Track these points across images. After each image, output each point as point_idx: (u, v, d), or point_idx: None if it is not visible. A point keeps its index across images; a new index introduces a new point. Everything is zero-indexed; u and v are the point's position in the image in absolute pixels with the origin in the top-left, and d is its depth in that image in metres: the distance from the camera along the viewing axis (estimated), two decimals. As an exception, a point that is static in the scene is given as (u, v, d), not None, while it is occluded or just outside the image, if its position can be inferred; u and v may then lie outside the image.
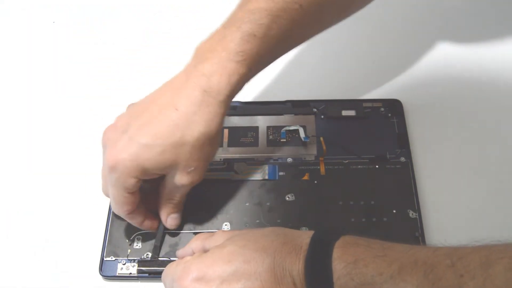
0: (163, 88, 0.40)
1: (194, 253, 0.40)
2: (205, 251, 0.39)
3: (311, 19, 0.40)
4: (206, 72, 0.37)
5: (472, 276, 0.27)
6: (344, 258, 0.32)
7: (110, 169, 0.39)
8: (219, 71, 0.37)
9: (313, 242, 0.34)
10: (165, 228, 0.45)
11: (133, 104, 0.44)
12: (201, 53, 0.39)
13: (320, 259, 0.33)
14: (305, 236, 0.35)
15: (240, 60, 0.38)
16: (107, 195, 0.43)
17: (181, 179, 0.40)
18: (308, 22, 0.41)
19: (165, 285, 0.40)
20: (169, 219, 0.44)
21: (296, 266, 0.34)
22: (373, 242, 0.33)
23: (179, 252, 0.43)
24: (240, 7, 0.39)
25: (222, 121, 0.39)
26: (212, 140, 0.39)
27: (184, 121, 0.38)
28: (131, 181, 0.39)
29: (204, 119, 0.38)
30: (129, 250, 0.45)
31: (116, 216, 0.45)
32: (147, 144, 0.38)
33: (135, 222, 0.43)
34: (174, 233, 0.45)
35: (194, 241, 0.42)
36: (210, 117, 0.38)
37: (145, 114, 0.39)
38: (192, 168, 0.40)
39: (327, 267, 0.32)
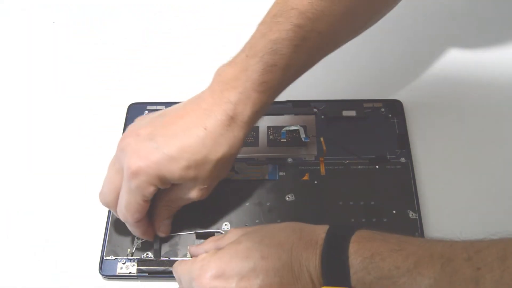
0: (190, 106, 0.41)
1: (207, 252, 0.40)
2: (219, 249, 0.39)
3: (328, 43, 0.42)
4: (232, 100, 0.40)
5: (490, 269, 0.27)
6: (361, 252, 0.33)
7: (132, 175, 0.39)
8: (243, 101, 0.40)
9: (329, 237, 0.35)
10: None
11: (144, 116, 0.45)
12: (226, 81, 0.40)
13: (337, 255, 0.33)
14: (320, 231, 0.36)
15: (263, 90, 0.40)
16: (105, 202, 0.43)
17: (192, 194, 0.42)
18: (326, 46, 0.42)
19: (180, 283, 0.40)
20: (162, 225, 0.44)
21: (313, 262, 0.34)
22: (389, 236, 0.33)
23: (193, 249, 0.44)
24: (261, 35, 0.39)
25: (241, 144, 0.42)
26: (230, 161, 0.42)
27: (211, 140, 0.39)
28: (150, 189, 0.40)
29: (228, 142, 0.40)
30: (128, 250, 0.45)
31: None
32: (173, 156, 0.39)
33: (138, 230, 0.43)
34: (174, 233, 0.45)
35: (207, 243, 0.42)
36: (233, 140, 0.40)
37: (173, 127, 0.40)
38: (206, 186, 0.41)
39: (343, 262, 0.32)
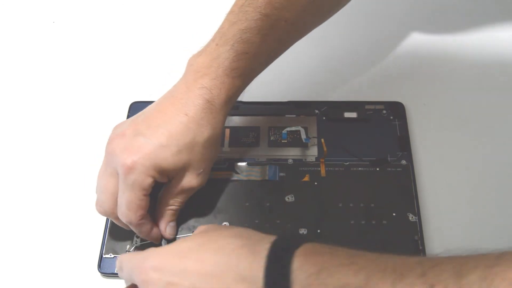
0: (166, 101, 0.43)
1: None
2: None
3: (296, 31, 0.44)
4: (206, 86, 0.41)
5: (444, 287, 0.25)
6: (306, 268, 0.30)
7: (128, 170, 0.40)
8: (217, 85, 0.41)
9: (273, 248, 0.32)
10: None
11: (123, 121, 0.45)
12: (198, 69, 0.42)
13: (279, 268, 0.30)
14: (266, 240, 0.33)
15: (235, 75, 0.42)
16: (103, 210, 0.43)
17: (191, 181, 0.43)
18: (294, 33, 0.44)
19: (121, 271, 0.38)
20: (168, 227, 0.44)
21: (253, 272, 0.31)
22: (339, 250, 0.31)
23: None
24: (231, 24, 0.41)
25: (223, 125, 0.43)
26: (217, 141, 0.44)
27: (194, 124, 0.41)
28: (149, 181, 0.40)
29: (210, 123, 0.42)
30: (128, 247, 0.45)
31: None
32: (164, 144, 0.40)
33: (144, 230, 0.43)
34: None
35: None
36: (215, 121, 0.42)
37: (155, 121, 0.41)
38: (201, 170, 0.43)
39: (286, 277, 0.30)
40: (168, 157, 0.40)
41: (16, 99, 0.58)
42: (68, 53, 0.61)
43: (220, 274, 0.32)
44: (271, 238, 0.33)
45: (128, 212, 0.41)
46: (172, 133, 0.41)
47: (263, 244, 0.32)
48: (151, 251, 0.37)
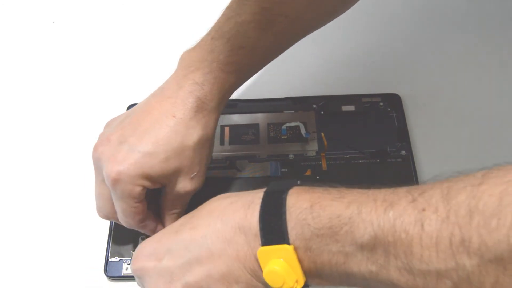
0: (154, 99, 0.41)
1: None
2: None
3: (296, 28, 0.41)
4: (198, 81, 0.39)
5: (435, 209, 0.25)
6: (299, 204, 0.30)
7: (114, 181, 0.38)
8: (210, 81, 0.39)
9: (266, 194, 0.32)
10: None
11: (114, 118, 0.43)
12: (190, 63, 0.40)
13: (273, 209, 0.30)
14: (258, 191, 0.33)
15: (230, 70, 0.39)
16: (104, 215, 0.42)
17: (185, 186, 0.40)
18: (294, 31, 0.42)
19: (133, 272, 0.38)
20: None
21: (247, 222, 0.31)
22: (329, 188, 0.31)
23: None
24: (228, 18, 0.39)
25: (216, 124, 0.41)
26: (209, 142, 0.41)
27: (182, 127, 0.39)
28: (137, 190, 0.39)
29: (200, 123, 0.39)
30: (133, 251, 0.45)
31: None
32: (150, 152, 0.38)
33: (149, 229, 0.42)
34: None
35: None
36: (205, 120, 0.40)
37: (142, 124, 0.39)
38: (195, 173, 0.40)
39: (281, 216, 0.30)
40: (155, 165, 0.38)
41: (15, 99, 0.57)
42: (68, 54, 0.61)
43: (217, 232, 0.32)
44: (262, 190, 0.33)
45: (125, 218, 0.40)
46: (159, 138, 0.38)
47: (255, 194, 0.32)
48: (146, 240, 0.37)
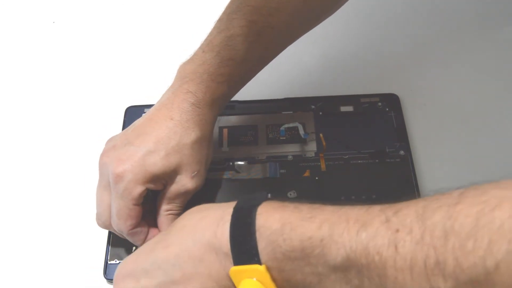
0: (155, 108, 0.43)
1: None
2: None
3: (283, 37, 0.44)
4: (191, 90, 0.42)
5: (409, 230, 0.24)
6: (268, 225, 0.29)
7: (117, 178, 0.40)
8: (203, 89, 0.42)
9: (235, 211, 0.31)
10: None
11: (114, 136, 0.45)
12: (184, 75, 0.42)
13: (243, 229, 0.30)
14: (228, 206, 0.32)
15: (221, 81, 0.42)
16: (102, 223, 0.43)
17: (186, 184, 0.42)
18: (281, 40, 0.44)
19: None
20: None
21: (217, 240, 0.31)
22: (301, 205, 0.31)
23: None
24: (218, 31, 0.41)
25: (212, 126, 0.44)
26: (207, 142, 0.43)
27: (180, 127, 0.41)
28: (139, 189, 0.40)
29: (197, 125, 0.42)
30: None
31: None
32: (152, 150, 0.40)
33: (137, 239, 0.42)
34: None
35: None
36: (201, 122, 0.42)
37: (144, 129, 0.42)
38: (195, 172, 0.42)
39: (251, 236, 0.29)
40: (157, 162, 0.40)
41: (14, 99, 0.57)
42: (67, 54, 0.61)
43: (188, 251, 0.32)
44: (233, 203, 0.32)
45: (118, 220, 0.41)
46: (159, 138, 0.41)
47: (225, 209, 0.32)
48: (123, 260, 0.37)
